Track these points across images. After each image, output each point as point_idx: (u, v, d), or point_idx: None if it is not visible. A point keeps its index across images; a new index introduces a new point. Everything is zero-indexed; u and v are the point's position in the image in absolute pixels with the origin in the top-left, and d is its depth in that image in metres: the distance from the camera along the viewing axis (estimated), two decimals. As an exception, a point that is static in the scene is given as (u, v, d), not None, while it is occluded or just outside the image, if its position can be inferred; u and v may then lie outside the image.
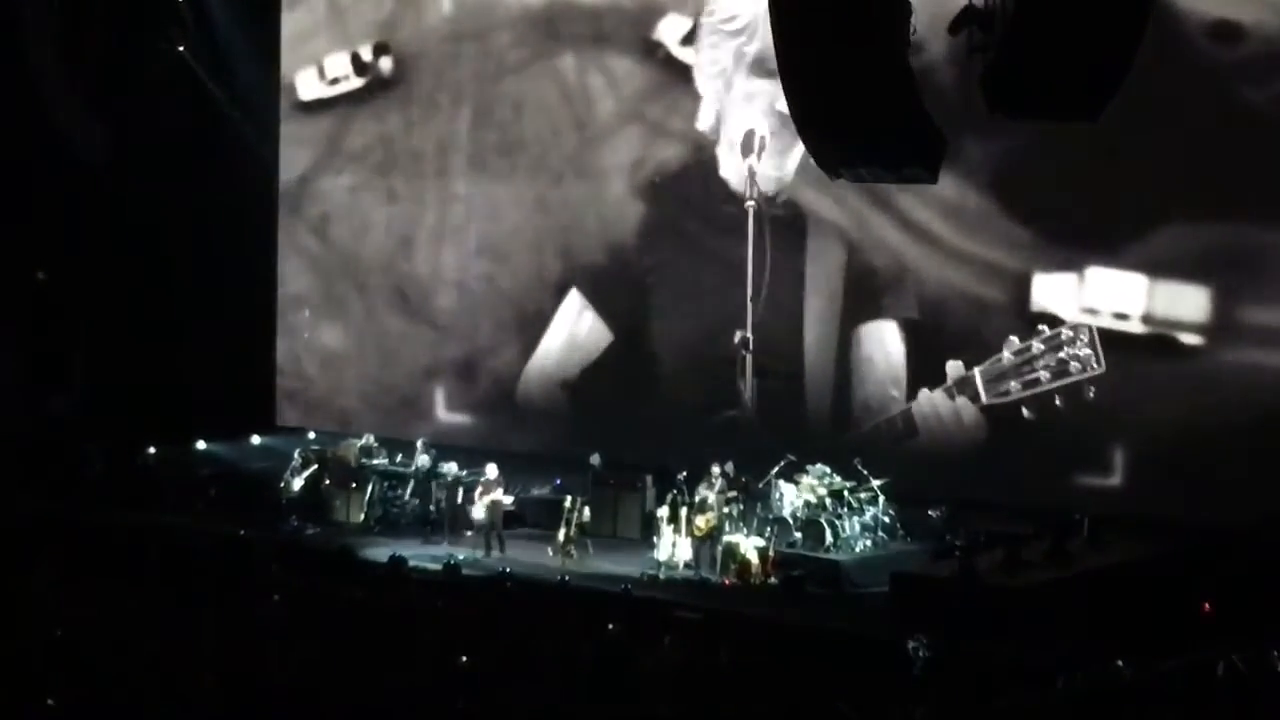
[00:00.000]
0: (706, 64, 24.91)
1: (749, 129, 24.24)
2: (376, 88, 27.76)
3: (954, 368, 22.93)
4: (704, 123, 24.90)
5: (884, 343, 23.61)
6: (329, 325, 28.40)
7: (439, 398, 27.26)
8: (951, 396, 22.90)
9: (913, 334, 23.36)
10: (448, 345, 27.23)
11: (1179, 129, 21.13)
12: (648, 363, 25.42)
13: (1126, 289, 21.92)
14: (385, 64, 27.69)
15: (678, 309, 25.15)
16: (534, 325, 26.37)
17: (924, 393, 23.16)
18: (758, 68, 24.12)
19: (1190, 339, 21.61)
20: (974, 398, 22.77)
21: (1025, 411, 22.43)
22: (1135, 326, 21.98)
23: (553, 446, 25.76)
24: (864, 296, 23.76)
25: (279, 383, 28.73)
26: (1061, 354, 22.11)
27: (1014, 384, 22.42)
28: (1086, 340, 21.99)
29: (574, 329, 26.13)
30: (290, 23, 28.20)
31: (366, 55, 27.82)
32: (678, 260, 25.17)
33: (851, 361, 23.80)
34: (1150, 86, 20.75)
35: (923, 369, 23.24)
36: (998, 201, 22.55)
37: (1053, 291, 22.37)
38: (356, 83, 27.90)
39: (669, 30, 25.23)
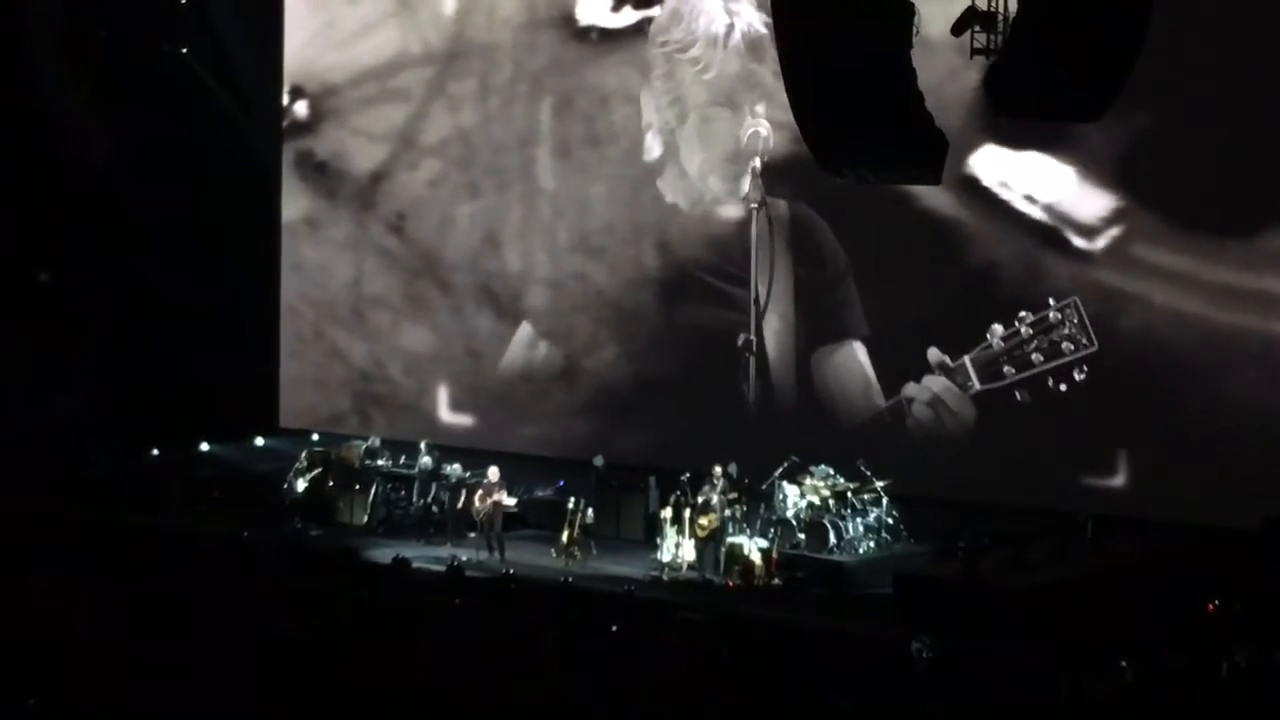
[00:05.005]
0: (660, 93, 24.75)
1: (753, 130, 24.19)
2: (294, 131, 27.81)
3: (935, 354, 22.86)
4: (651, 153, 24.82)
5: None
6: (412, 326, 27.43)
7: (442, 398, 27.17)
8: (946, 379, 22.81)
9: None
10: (541, 345, 26.31)
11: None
12: (652, 358, 25.37)
13: (1048, 177, 22.08)
14: (300, 108, 27.83)
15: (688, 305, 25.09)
16: (633, 323, 25.53)
17: (910, 385, 23.13)
18: (716, 84, 24.31)
19: (1081, 242, 21.89)
20: (965, 385, 22.72)
21: (1018, 395, 22.37)
22: (1037, 213, 22.16)
23: (556, 447, 25.73)
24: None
25: (364, 388, 27.83)
26: (1052, 335, 22.10)
27: (1007, 368, 22.39)
28: (1076, 321, 21.96)
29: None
30: (354, 16, 27.57)
31: (283, 99, 28.00)
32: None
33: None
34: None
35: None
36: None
37: (985, 163, 22.35)
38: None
39: (588, 10, 25.29)
